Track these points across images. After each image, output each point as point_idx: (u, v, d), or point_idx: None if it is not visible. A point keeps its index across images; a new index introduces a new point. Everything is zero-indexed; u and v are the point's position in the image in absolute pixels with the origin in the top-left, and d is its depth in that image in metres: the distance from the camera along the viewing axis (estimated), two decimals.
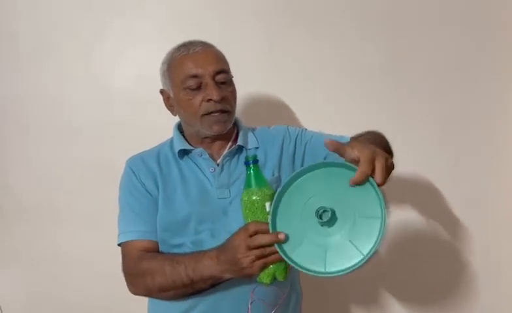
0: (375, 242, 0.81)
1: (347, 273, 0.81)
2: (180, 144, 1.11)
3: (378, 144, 0.90)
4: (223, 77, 1.07)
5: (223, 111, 1.06)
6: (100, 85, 1.51)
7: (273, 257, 0.86)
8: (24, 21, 1.50)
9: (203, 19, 1.49)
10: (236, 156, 1.12)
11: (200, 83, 1.05)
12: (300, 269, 0.82)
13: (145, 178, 1.08)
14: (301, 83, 1.50)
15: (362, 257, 0.81)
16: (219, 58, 1.09)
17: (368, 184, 0.81)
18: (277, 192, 0.85)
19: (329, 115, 1.50)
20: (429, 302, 1.59)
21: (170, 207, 1.06)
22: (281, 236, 0.83)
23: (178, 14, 1.49)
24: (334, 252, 0.83)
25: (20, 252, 1.54)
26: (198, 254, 0.96)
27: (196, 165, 1.10)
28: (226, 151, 1.11)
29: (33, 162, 1.53)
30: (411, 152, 1.50)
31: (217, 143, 1.12)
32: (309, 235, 0.84)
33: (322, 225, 0.83)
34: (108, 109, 1.51)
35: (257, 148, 1.14)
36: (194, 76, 1.05)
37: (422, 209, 1.54)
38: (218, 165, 1.09)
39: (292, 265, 0.83)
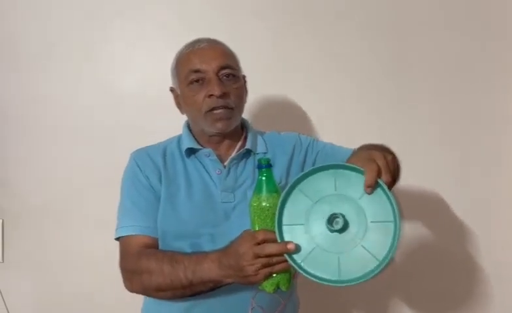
0: (391, 248, 0.77)
1: (363, 281, 0.77)
2: (188, 142, 1.09)
3: (379, 150, 0.88)
4: (227, 73, 1.04)
5: (225, 108, 1.03)
6: (108, 88, 1.50)
7: (279, 266, 0.83)
8: (31, 24, 1.50)
9: (211, 22, 1.48)
10: (244, 159, 1.09)
11: (203, 78, 1.03)
12: (312, 279, 0.78)
13: (150, 172, 1.06)
14: (303, 83, 1.50)
15: (377, 263, 0.77)
16: (225, 54, 1.06)
17: (377, 187, 0.78)
18: (282, 194, 0.82)
19: (330, 116, 1.49)
20: (436, 309, 1.57)
21: (171, 206, 1.03)
22: (291, 246, 0.79)
23: (186, 18, 1.49)
24: (347, 259, 0.79)
25: (28, 254, 1.53)
26: (199, 256, 0.92)
27: (203, 165, 1.08)
28: (234, 154, 1.08)
29: (41, 165, 1.52)
30: (413, 153, 1.48)
31: (225, 143, 1.09)
32: (318, 241, 0.80)
33: (332, 232, 0.80)
34: (115, 112, 1.50)
35: (265, 153, 1.11)
36: (197, 71, 1.03)
37: (426, 211, 1.52)
38: (225, 167, 1.06)
39: (304, 274, 0.79)
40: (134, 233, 1.02)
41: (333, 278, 0.78)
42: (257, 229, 0.85)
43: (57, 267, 1.53)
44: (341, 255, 0.79)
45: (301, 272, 0.79)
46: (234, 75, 1.05)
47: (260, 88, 1.47)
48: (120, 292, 1.41)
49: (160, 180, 1.05)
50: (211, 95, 1.01)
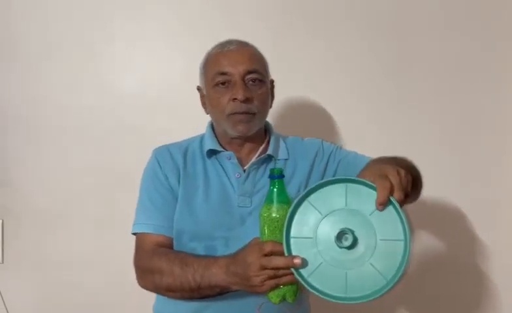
0: (399, 267, 0.74)
1: (370, 300, 0.75)
2: (211, 143, 1.09)
3: (397, 163, 0.85)
4: (253, 78, 1.03)
5: (247, 113, 1.03)
6: (108, 89, 1.50)
7: (285, 279, 0.82)
8: (30, 25, 1.50)
9: (211, 22, 1.48)
10: (264, 165, 1.08)
11: (229, 80, 1.02)
12: (318, 295, 0.77)
13: (169, 171, 1.06)
14: (303, 84, 1.48)
15: (385, 282, 0.75)
16: (254, 58, 1.05)
17: (388, 205, 0.76)
18: (291, 205, 0.80)
19: (331, 116, 1.48)
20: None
21: (188, 206, 1.04)
22: (297, 261, 0.78)
23: (187, 18, 1.49)
24: (355, 276, 0.77)
25: (28, 255, 1.53)
26: (208, 260, 0.92)
27: (223, 168, 1.08)
28: (254, 159, 1.07)
29: (41, 165, 1.52)
30: (419, 153, 1.43)
31: (247, 146, 1.09)
32: (325, 256, 0.79)
33: (340, 248, 0.78)
34: (115, 112, 1.50)
35: (287, 160, 1.10)
36: (224, 73, 1.02)
37: (428, 213, 1.49)
38: (244, 171, 1.06)
39: (310, 290, 0.78)
40: (148, 231, 1.03)
41: (339, 295, 0.77)
42: (265, 239, 0.84)
43: (57, 267, 1.53)
44: (348, 271, 0.77)
45: (307, 287, 0.78)
46: (260, 80, 1.05)
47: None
48: (120, 293, 1.46)
49: (178, 180, 1.06)
50: (235, 99, 1.01)
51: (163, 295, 1.01)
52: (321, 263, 0.79)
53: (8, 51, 1.51)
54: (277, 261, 0.80)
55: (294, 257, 0.79)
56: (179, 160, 1.08)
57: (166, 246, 1.02)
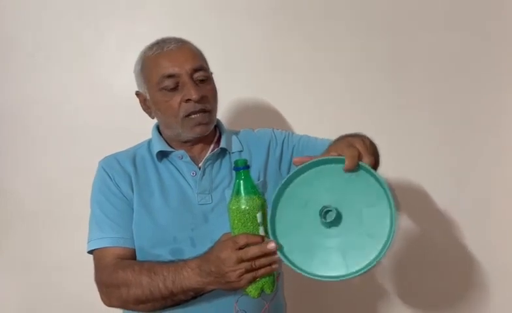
0: (391, 226, 0.75)
1: (371, 268, 0.75)
2: (159, 145, 1.05)
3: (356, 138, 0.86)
4: (201, 75, 1.00)
5: (203, 111, 1.00)
6: (102, 89, 1.47)
7: (263, 270, 0.79)
8: (23, 25, 1.46)
9: (202, 21, 1.45)
10: (219, 159, 1.06)
11: (177, 82, 0.99)
12: (321, 280, 0.76)
13: (120, 180, 1.01)
14: (298, 84, 1.48)
15: (381, 246, 0.75)
16: (196, 54, 1.03)
17: (361, 172, 0.76)
18: (271, 204, 0.79)
19: (323, 116, 1.47)
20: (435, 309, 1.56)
21: (147, 212, 0.99)
22: (271, 245, 0.77)
23: (178, 18, 1.46)
24: (350, 250, 0.77)
25: (18, 256, 1.50)
26: (177, 265, 0.88)
27: (176, 168, 1.04)
28: (208, 154, 1.04)
29: (33, 167, 1.49)
30: (412, 154, 1.49)
31: (199, 146, 1.06)
32: (316, 240, 0.78)
33: (329, 227, 0.77)
34: (107, 113, 1.47)
35: (241, 151, 1.08)
36: (171, 76, 0.98)
37: (424, 212, 1.51)
38: (199, 169, 1.03)
39: (313, 278, 0.76)
40: (106, 246, 0.97)
41: (342, 274, 0.76)
42: (237, 232, 0.81)
43: (48, 269, 1.49)
44: (343, 248, 0.77)
45: (308, 276, 0.76)
46: (207, 77, 1.02)
47: (251, 88, 1.46)
48: None
49: (131, 188, 1.01)
50: (188, 99, 0.98)
51: (133, 309, 0.95)
52: (314, 248, 0.78)
53: None
54: (254, 251, 0.78)
55: (268, 242, 0.77)
56: (129, 168, 1.03)
57: (128, 258, 0.97)
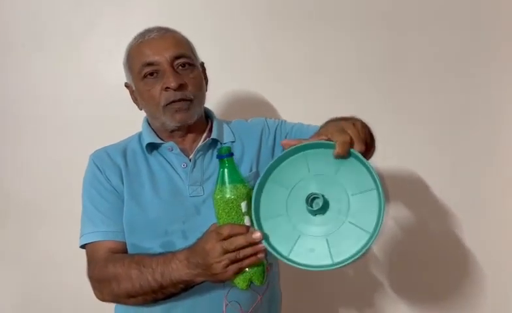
0: (379, 216, 0.72)
1: (357, 258, 0.73)
2: (149, 137, 1.03)
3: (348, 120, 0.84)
4: (182, 62, 0.98)
5: (184, 100, 0.98)
6: (93, 82, 1.45)
7: (248, 260, 0.77)
8: (14, 17, 1.44)
9: (196, 12, 1.44)
10: (210, 150, 1.04)
11: (157, 70, 0.97)
12: (304, 269, 0.74)
13: (111, 173, 1.00)
14: (295, 81, 1.46)
15: (369, 235, 0.72)
16: (178, 42, 1.00)
17: (351, 159, 0.74)
18: (255, 188, 0.77)
19: (324, 115, 1.44)
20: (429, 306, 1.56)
21: (137, 205, 0.98)
22: (257, 234, 0.75)
23: (171, 8, 1.44)
24: (337, 239, 0.74)
25: (9, 252, 1.49)
26: (166, 257, 0.87)
27: (167, 160, 1.02)
28: (199, 145, 1.03)
29: (23, 161, 1.47)
30: (410, 152, 1.48)
31: (189, 137, 1.04)
32: (302, 228, 0.76)
33: (315, 215, 0.75)
34: (101, 105, 1.45)
35: (233, 142, 1.07)
36: (150, 64, 0.97)
37: (421, 208, 1.51)
38: (190, 160, 1.01)
39: (296, 266, 0.74)
40: (97, 239, 0.96)
41: (326, 263, 0.74)
42: (222, 223, 0.80)
43: (41, 263, 1.48)
44: (329, 237, 0.75)
45: (291, 264, 0.75)
46: (190, 64, 1.00)
47: (247, 86, 1.44)
48: None
49: (122, 180, 1.00)
50: (168, 88, 0.96)
51: (125, 303, 0.94)
52: (299, 236, 0.76)
53: None
54: (238, 241, 0.76)
55: (253, 232, 0.76)
56: (119, 160, 1.02)
57: (120, 251, 0.96)
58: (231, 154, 0.79)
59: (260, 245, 0.76)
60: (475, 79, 1.48)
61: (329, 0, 1.45)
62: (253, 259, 0.77)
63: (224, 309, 0.92)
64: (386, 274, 1.53)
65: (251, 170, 1.03)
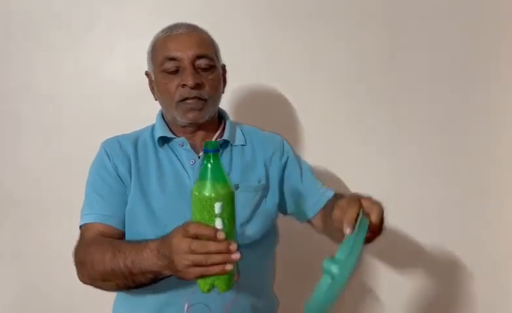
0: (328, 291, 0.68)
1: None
2: (161, 131, 1.04)
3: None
4: (203, 63, 1.00)
5: (198, 99, 0.99)
6: (90, 78, 1.46)
7: (214, 269, 0.71)
8: (10, 12, 1.44)
9: (196, 12, 1.41)
10: (220, 150, 1.05)
11: (178, 66, 0.99)
12: None
13: (119, 162, 1.00)
14: (295, 81, 1.46)
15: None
16: (203, 42, 1.02)
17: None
18: None
19: (323, 114, 1.47)
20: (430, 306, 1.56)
21: (142, 196, 0.98)
22: (233, 246, 0.70)
23: (169, 6, 1.45)
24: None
25: (9, 247, 1.50)
26: (140, 244, 0.84)
27: (176, 155, 1.03)
28: None
29: (22, 156, 1.48)
30: (409, 151, 1.49)
31: (200, 134, 1.05)
32: None
33: None
34: (97, 103, 1.45)
35: (244, 145, 1.07)
36: (172, 59, 0.99)
37: (418, 209, 1.52)
38: (199, 157, 1.02)
39: None
40: (92, 221, 0.96)
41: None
42: (194, 220, 0.75)
43: (37, 260, 1.49)
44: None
45: None
46: (211, 66, 1.01)
47: (251, 85, 1.45)
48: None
49: (129, 171, 1.00)
50: (184, 85, 0.98)
51: (101, 287, 0.92)
52: None
53: None
54: (210, 247, 0.70)
55: (230, 243, 0.70)
56: (130, 150, 1.03)
57: (110, 236, 0.94)
58: (217, 151, 0.74)
59: (234, 256, 0.71)
60: (474, 78, 1.49)
61: (329, 0, 1.46)
62: (220, 268, 0.71)
63: (185, 309, 0.89)
64: (386, 274, 1.54)
65: (259, 181, 1.04)
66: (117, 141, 1.05)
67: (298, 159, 1.14)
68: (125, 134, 1.08)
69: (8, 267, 1.50)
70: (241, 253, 0.71)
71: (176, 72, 0.99)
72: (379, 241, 1.45)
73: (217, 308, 0.93)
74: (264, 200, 1.04)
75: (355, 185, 1.50)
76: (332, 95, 1.48)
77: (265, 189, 1.04)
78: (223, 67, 1.09)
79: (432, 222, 1.52)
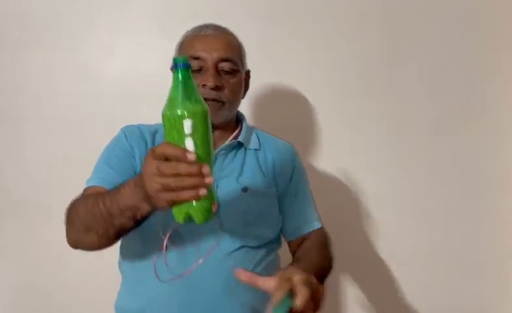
0: None
1: None
2: None
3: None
4: (226, 66, 1.01)
5: (217, 101, 1.00)
6: (90, 78, 1.46)
7: (186, 193, 0.65)
8: (10, 12, 1.44)
9: (195, 12, 1.43)
10: (233, 151, 1.06)
11: (201, 66, 1.00)
12: None
13: (136, 145, 1.01)
14: (295, 80, 1.47)
15: None
16: (229, 45, 1.03)
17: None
18: None
19: (323, 114, 1.48)
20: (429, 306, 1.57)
21: None
22: (206, 169, 0.64)
23: (169, 6, 1.45)
24: None
25: (9, 246, 1.49)
26: (120, 184, 0.79)
27: None
28: (224, 144, 1.05)
29: (22, 156, 1.48)
30: (407, 151, 1.50)
31: (216, 133, 1.05)
32: None
33: None
34: (97, 102, 1.45)
35: (257, 150, 1.09)
36: (197, 58, 1.00)
37: (417, 208, 1.52)
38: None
39: None
40: (92, 184, 0.95)
41: None
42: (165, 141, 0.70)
43: (37, 259, 1.49)
44: None
45: None
46: (234, 70, 1.02)
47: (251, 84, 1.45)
48: (100, 283, 1.40)
49: (144, 155, 0.98)
50: (205, 85, 0.99)
51: (84, 242, 0.88)
52: None
53: None
54: (178, 168, 0.64)
55: (202, 165, 0.64)
56: (148, 138, 1.03)
57: None
58: (187, 65, 0.68)
59: (207, 180, 0.65)
60: (473, 78, 1.49)
61: (329, 1, 1.47)
62: (192, 193, 0.65)
63: (165, 241, 0.80)
64: (386, 274, 1.54)
65: (268, 187, 1.05)
66: (138, 127, 1.06)
67: (302, 174, 1.14)
68: (145, 124, 1.08)
69: (8, 267, 1.50)
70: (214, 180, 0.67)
71: (199, 70, 1.00)
72: (379, 241, 1.50)
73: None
74: (271, 206, 1.06)
75: (355, 185, 1.50)
76: (332, 95, 1.48)
77: (273, 195, 1.06)
78: (247, 72, 1.10)
79: (431, 221, 1.53)
